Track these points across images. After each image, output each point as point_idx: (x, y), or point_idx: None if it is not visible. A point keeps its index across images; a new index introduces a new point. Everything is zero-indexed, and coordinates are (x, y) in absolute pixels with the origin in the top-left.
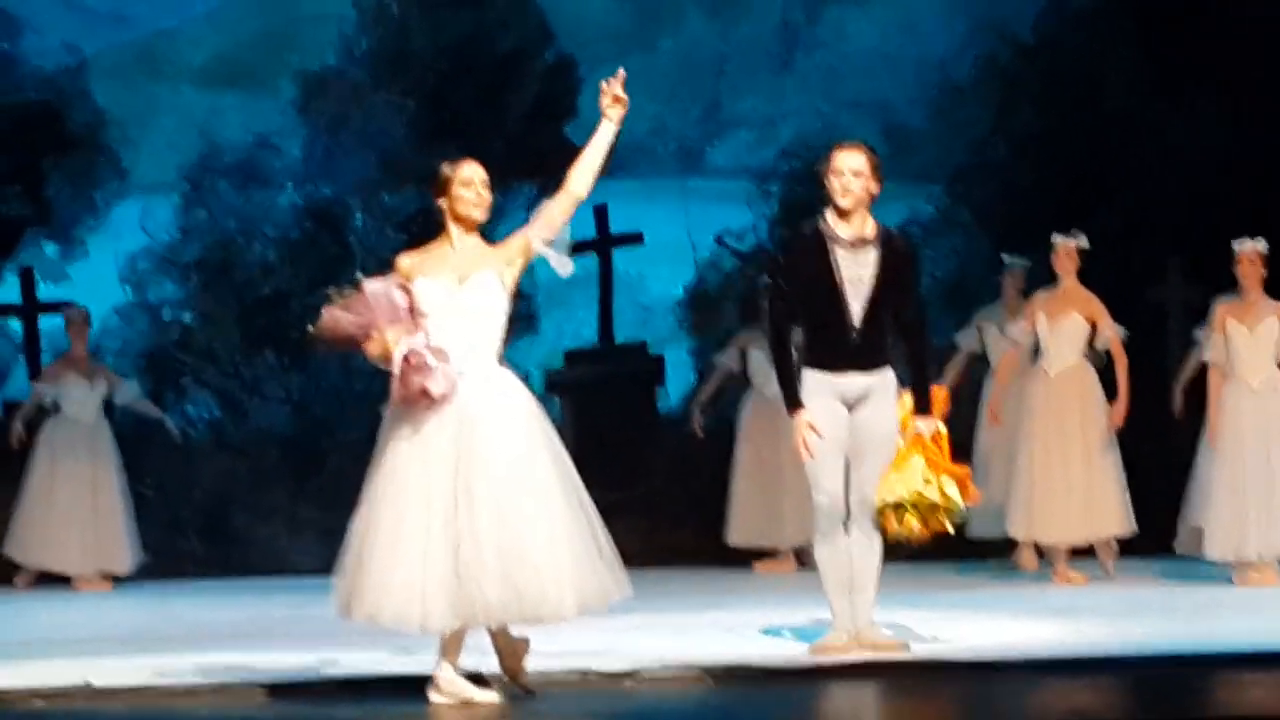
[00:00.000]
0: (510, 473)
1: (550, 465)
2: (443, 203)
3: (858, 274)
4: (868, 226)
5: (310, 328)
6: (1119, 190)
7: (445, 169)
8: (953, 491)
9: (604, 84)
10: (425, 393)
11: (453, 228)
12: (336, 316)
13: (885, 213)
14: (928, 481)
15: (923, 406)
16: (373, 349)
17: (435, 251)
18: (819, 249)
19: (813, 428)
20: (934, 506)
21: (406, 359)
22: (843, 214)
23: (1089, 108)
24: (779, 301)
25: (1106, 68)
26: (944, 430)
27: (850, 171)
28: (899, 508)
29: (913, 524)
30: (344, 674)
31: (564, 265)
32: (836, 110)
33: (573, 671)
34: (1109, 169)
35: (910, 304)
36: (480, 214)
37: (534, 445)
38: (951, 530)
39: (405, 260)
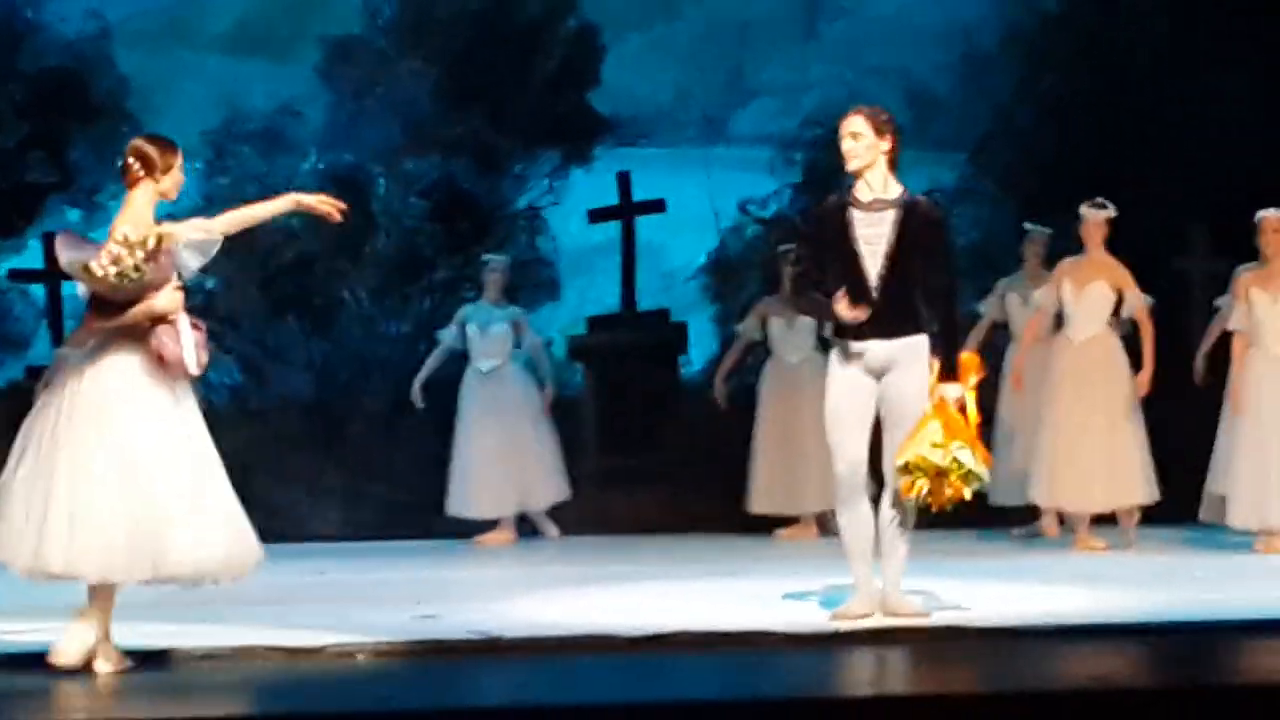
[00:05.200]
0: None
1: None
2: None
3: (875, 235)
4: (890, 189)
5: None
6: (1143, 159)
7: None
8: (966, 457)
9: (328, 202)
10: (182, 363)
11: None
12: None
13: (909, 180)
14: (936, 446)
15: (948, 373)
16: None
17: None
18: (838, 212)
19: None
20: (942, 472)
21: (195, 327)
22: (861, 178)
23: (1114, 76)
24: (803, 267)
25: (1132, 35)
26: (970, 396)
27: (848, 135)
28: (908, 471)
29: (922, 488)
30: (364, 638)
31: (188, 266)
32: (860, 78)
33: (598, 636)
34: (1134, 137)
35: (936, 270)
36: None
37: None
38: (969, 496)
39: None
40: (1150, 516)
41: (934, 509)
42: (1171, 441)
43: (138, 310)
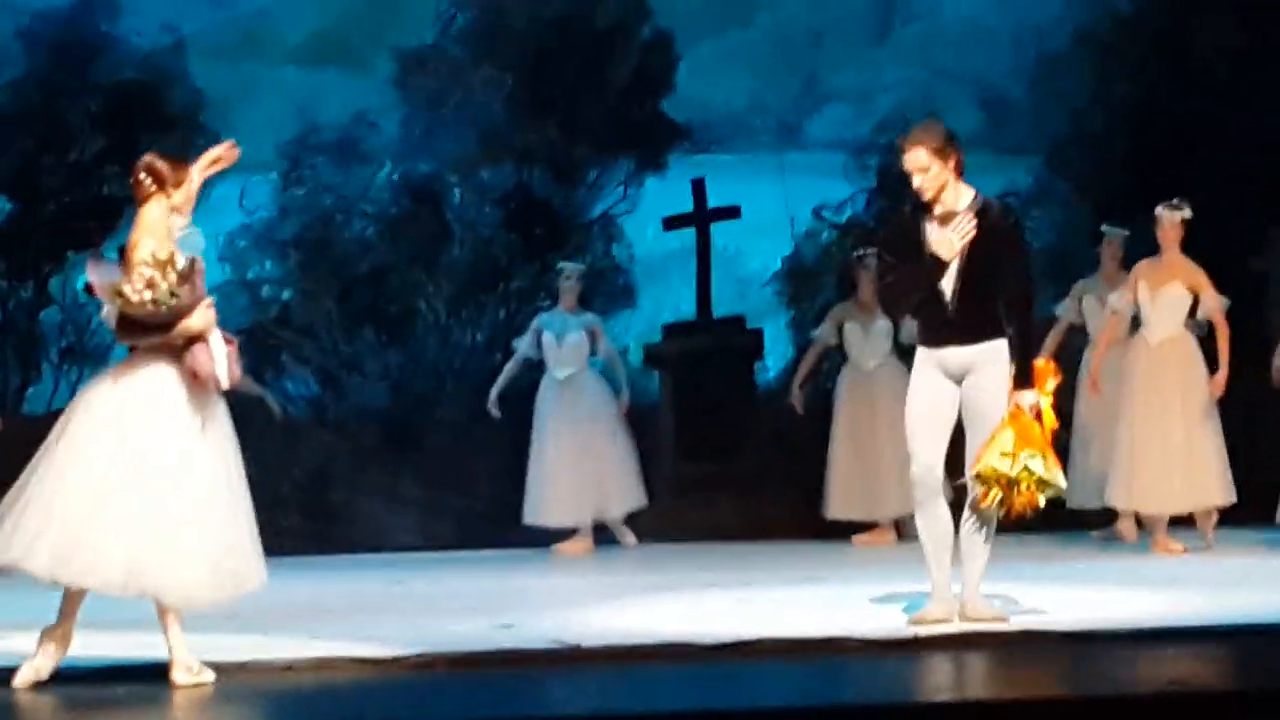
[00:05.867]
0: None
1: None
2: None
3: (948, 245)
4: (961, 199)
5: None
6: (1219, 160)
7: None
8: (1037, 466)
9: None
10: (215, 379)
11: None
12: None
13: (983, 184)
14: (1005, 455)
15: (1024, 380)
16: (197, 322)
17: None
18: (911, 224)
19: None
20: (1013, 482)
21: (227, 341)
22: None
23: (1188, 75)
24: (889, 282)
25: (1205, 37)
26: (1046, 403)
27: (915, 170)
28: (981, 481)
29: (996, 496)
30: (444, 648)
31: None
32: (933, 81)
33: (675, 645)
34: (1209, 138)
35: (1010, 275)
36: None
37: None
38: (1043, 504)
39: None
40: (1228, 518)
41: (1011, 516)
42: (1249, 443)
43: (173, 334)
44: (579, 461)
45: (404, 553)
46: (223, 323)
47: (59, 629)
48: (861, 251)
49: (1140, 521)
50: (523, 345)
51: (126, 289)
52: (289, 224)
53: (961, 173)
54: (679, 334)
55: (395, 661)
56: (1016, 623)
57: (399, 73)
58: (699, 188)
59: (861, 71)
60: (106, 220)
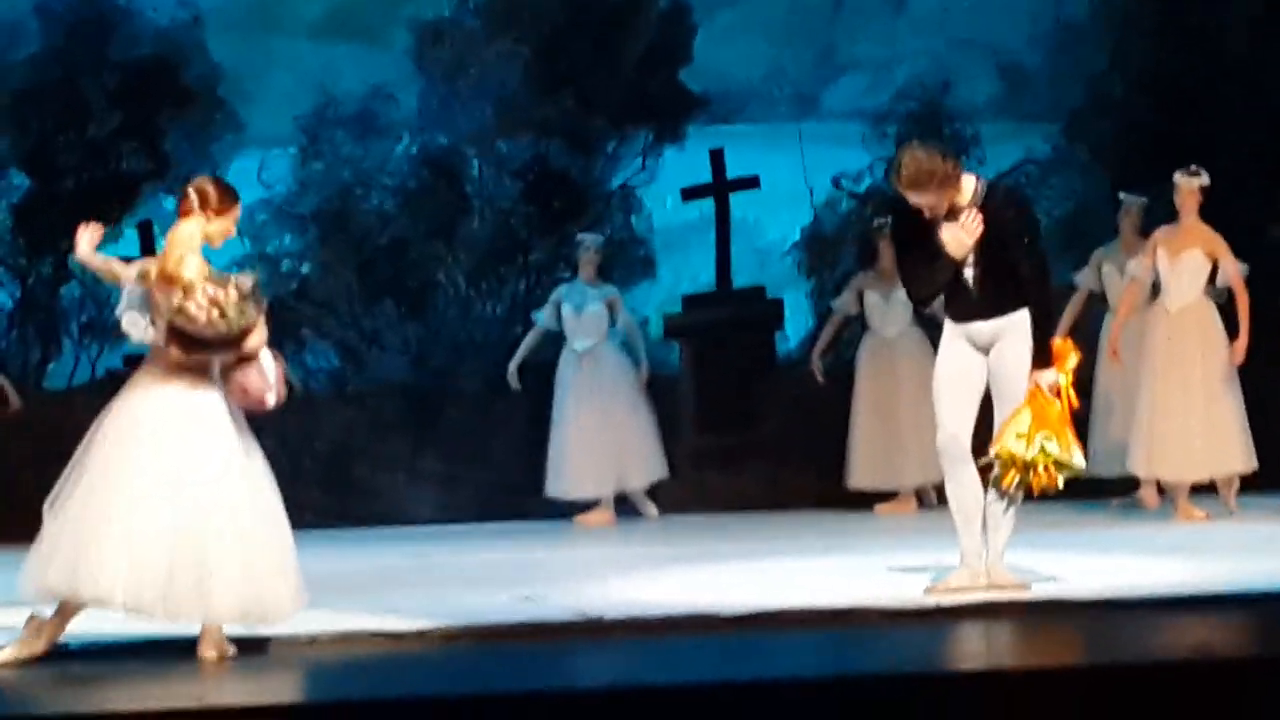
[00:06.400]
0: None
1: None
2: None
3: (959, 245)
4: (964, 194)
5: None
6: (1238, 128)
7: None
8: (1053, 448)
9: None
10: (265, 398)
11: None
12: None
13: (1001, 152)
14: (1020, 437)
15: (1042, 360)
16: (254, 341)
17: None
18: (919, 219)
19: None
20: (1029, 464)
21: (276, 357)
22: None
23: (1206, 44)
24: (905, 276)
25: (1222, 4)
26: (1064, 382)
27: (924, 206)
28: (999, 463)
29: (1014, 478)
30: (465, 621)
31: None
32: (951, 50)
33: (698, 615)
34: (1227, 105)
35: (1023, 259)
36: None
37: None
38: (1061, 485)
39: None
40: (1249, 485)
41: (1033, 496)
42: (1269, 409)
43: (231, 353)
44: (599, 433)
45: (425, 525)
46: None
47: (52, 624)
48: (881, 220)
49: (1162, 489)
50: (542, 317)
51: (190, 307)
52: (308, 198)
53: (961, 176)
54: (698, 305)
55: (417, 635)
56: (1039, 591)
57: (416, 46)
58: (717, 158)
59: (879, 40)
60: (125, 196)
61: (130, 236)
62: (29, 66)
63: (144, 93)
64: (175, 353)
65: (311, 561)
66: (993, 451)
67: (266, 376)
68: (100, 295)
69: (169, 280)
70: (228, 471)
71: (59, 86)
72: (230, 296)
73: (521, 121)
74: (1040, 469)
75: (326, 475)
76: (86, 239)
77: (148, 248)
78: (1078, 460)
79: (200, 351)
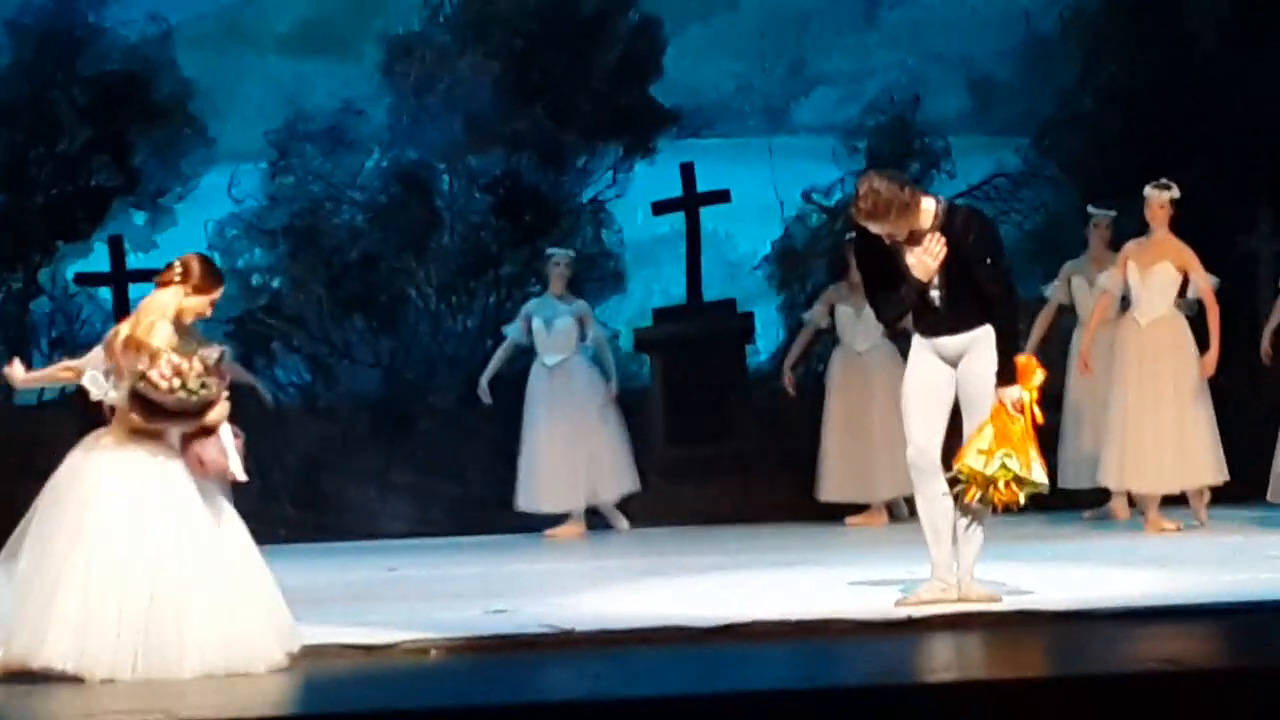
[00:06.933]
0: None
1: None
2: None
3: (923, 269)
4: (926, 217)
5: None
6: (1208, 140)
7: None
8: (1014, 465)
9: None
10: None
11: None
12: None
13: (972, 165)
14: (981, 453)
15: (1006, 377)
16: (215, 416)
17: None
18: (883, 242)
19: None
20: (988, 480)
21: (235, 434)
22: None
23: (1177, 56)
24: (871, 300)
25: (1194, 18)
26: (1028, 399)
27: (886, 236)
28: (961, 478)
29: (975, 495)
30: (437, 634)
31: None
32: (922, 64)
33: (670, 628)
34: (1198, 119)
35: (987, 279)
36: None
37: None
38: (1023, 501)
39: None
40: (1220, 497)
41: (996, 511)
42: (1240, 421)
43: (189, 424)
44: (570, 447)
45: (396, 539)
46: (213, 311)
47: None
48: (852, 234)
49: (1133, 501)
50: (512, 331)
51: (153, 374)
52: (278, 212)
53: (919, 201)
54: (669, 318)
55: (388, 648)
56: (1010, 603)
57: (386, 60)
58: (688, 172)
59: (849, 55)
60: (95, 210)
61: (101, 251)
62: None
63: (114, 107)
64: (135, 418)
65: (283, 575)
66: (955, 467)
67: (225, 450)
68: (70, 310)
69: (136, 346)
70: (186, 529)
71: (29, 101)
72: (194, 368)
73: (492, 136)
74: (1001, 485)
75: (298, 489)
76: (18, 371)
77: (117, 262)
78: (1039, 477)
79: (159, 419)
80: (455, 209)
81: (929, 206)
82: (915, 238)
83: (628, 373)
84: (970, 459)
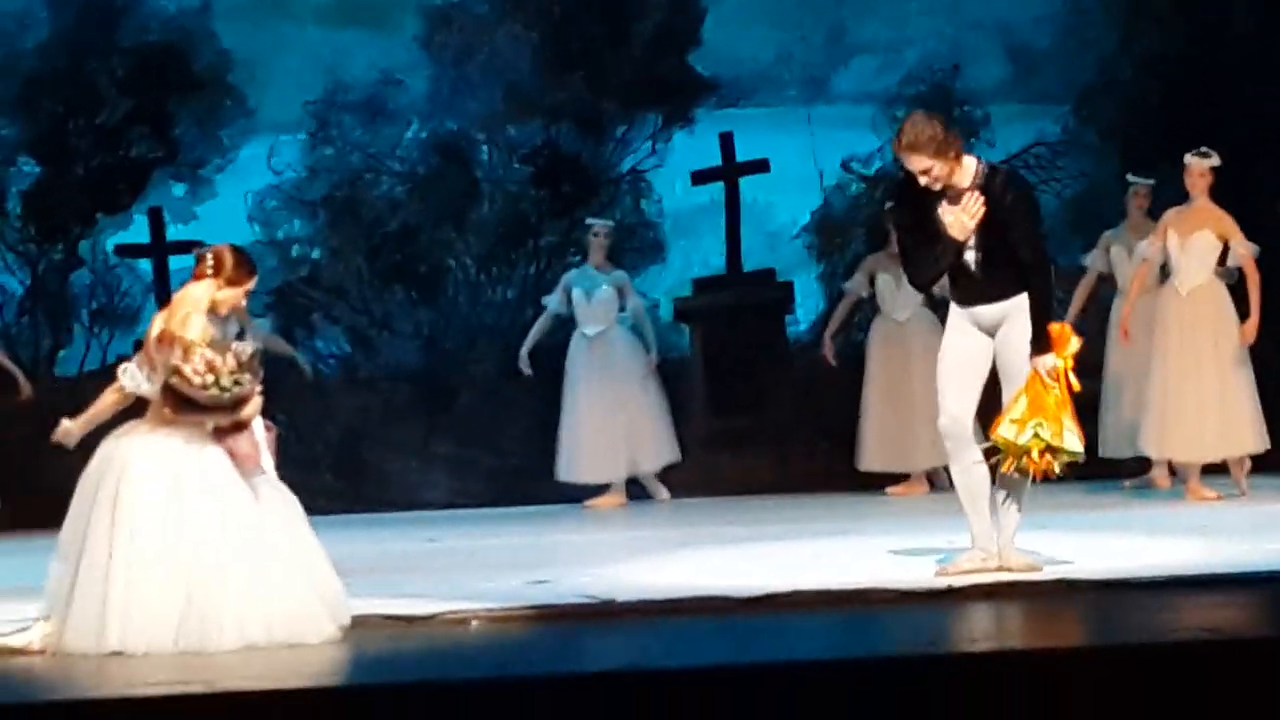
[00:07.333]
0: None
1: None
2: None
3: (960, 228)
4: (965, 175)
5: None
6: (1247, 107)
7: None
8: (1047, 434)
9: None
10: (256, 464)
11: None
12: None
13: (1011, 134)
14: (1014, 423)
15: (1040, 345)
16: (248, 411)
17: None
18: (921, 201)
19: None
20: (1022, 450)
21: (267, 428)
22: None
23: (1215, 23)
24: (906, 259)
25: None
26: (1062, 367)
27: (919, 171)
28: (996, 450)
29: (1011, 464)
30: (478, 605)
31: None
32: (961, 32)
33: (710, 598)
34: (1237, 86)
35: (1024, 243)
36: None
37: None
38: (1059, 470)
39: None
40: (1261, 465)
41: (1035, 480)
42: None
43: (222, 418)
44: (610, 417)
45: (436, 510)
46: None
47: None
48: (892, 203)
49: (1173, 470)
50: (552, 302)
51: (186, 369)
52: (318, 183)
53: (962, 152)
54: (709, 288)
55: (429, 619)
56: (1051, 572)
57: (425, 30)
58: (727, 142)
59: (888, 23)
60: (135, 182)
61: (140, 222)
62: (38, 53)
63: (153, 79)
64: (168, 412)
65: (324, 546)
66: (989, 437)
67: (257, 444)
68: (110, 282)
69: (170, 340)
70: (224, 508)
71: (68, 73)
72: (227, 364)
73: (531, 106)
74: (1035, 454)
75: (338, 461)
76: (73, 427)
77: (157, 233)
78: (1073, 445)
79: (192, 413)
80: (494, 179)
81: (970, 165)
82: (954, 197)
83: (667, 343)
84: (1004, 429)
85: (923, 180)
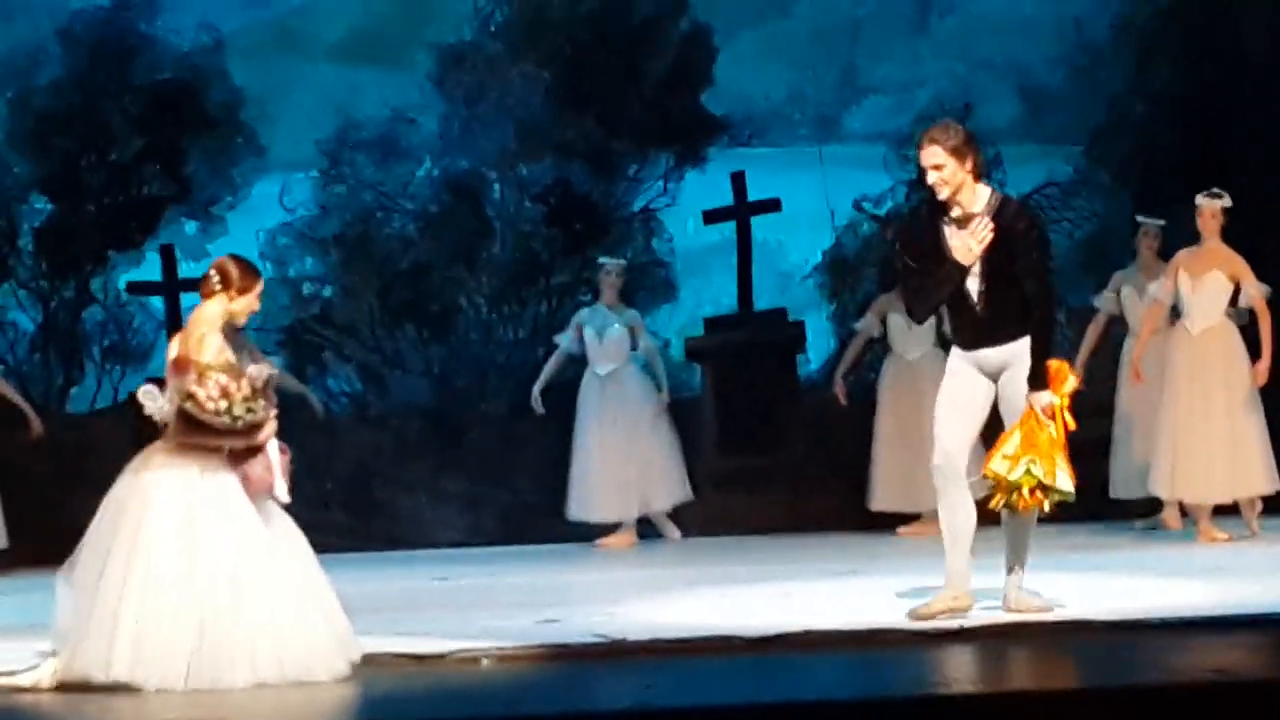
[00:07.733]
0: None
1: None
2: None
3: (967, 252)
4: (977, 201)
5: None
6: (1258, 148)
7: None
8: (1039, 471)
9: None
10: (270, 489)
11: None
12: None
13: (1023, 174)
14: (1006, 459)
15: (1038, 381)
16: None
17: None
18: (929, 226)
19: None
20: (1012, 486)
21: (282, 451)
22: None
23: (1227, 64)
24: (907, 284)
25: (1244, 25)
26: (1058, 404)
27: (930, 167)
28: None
29: (1000, 500)
30: (489, 643)
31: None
32: (972, 72)
33: (720, 637)
34: (1248, 127)
35: (1030, 273)
36: None
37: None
38: (1047, 508)
39: None
40: (1272, 506)
41: (1024, 516)
42: None
43: (237, 442)
44: (622, 456)
45: (447, 548)
46: (264, 321)
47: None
48: (898, 227)
49: (1184, 510)
50: (564, 341)
51: (200, 393)
52: (330, 221)
53: (980, 174)
54: (720, 327)
55: (439, 657)
56: (1061, 613)
57: (437, 69)
58: (739, 181)
59: (900, 63)
60: (147, 219)
61: (153, 260)
62: (52, 90)
63: (166, 116)
64: (180, 435)
65: (334, 583)
66: (981, 472)
67: (271, 468)
68: (123, 319)
69: (185, 364)
70: (239, 541)
71: (81, 110)
72: (241, 389)
73: (543, 145)
74: (1025, 491)
75: (349, 498)
76: None
77: (169, 271)
78: (1064, 485)
79: (204, 437)
80: (506, 218)
81: (984, 192)
82: (964, 222)
83: (678, 382)
84: (995, 464)
85: (931, 178)
